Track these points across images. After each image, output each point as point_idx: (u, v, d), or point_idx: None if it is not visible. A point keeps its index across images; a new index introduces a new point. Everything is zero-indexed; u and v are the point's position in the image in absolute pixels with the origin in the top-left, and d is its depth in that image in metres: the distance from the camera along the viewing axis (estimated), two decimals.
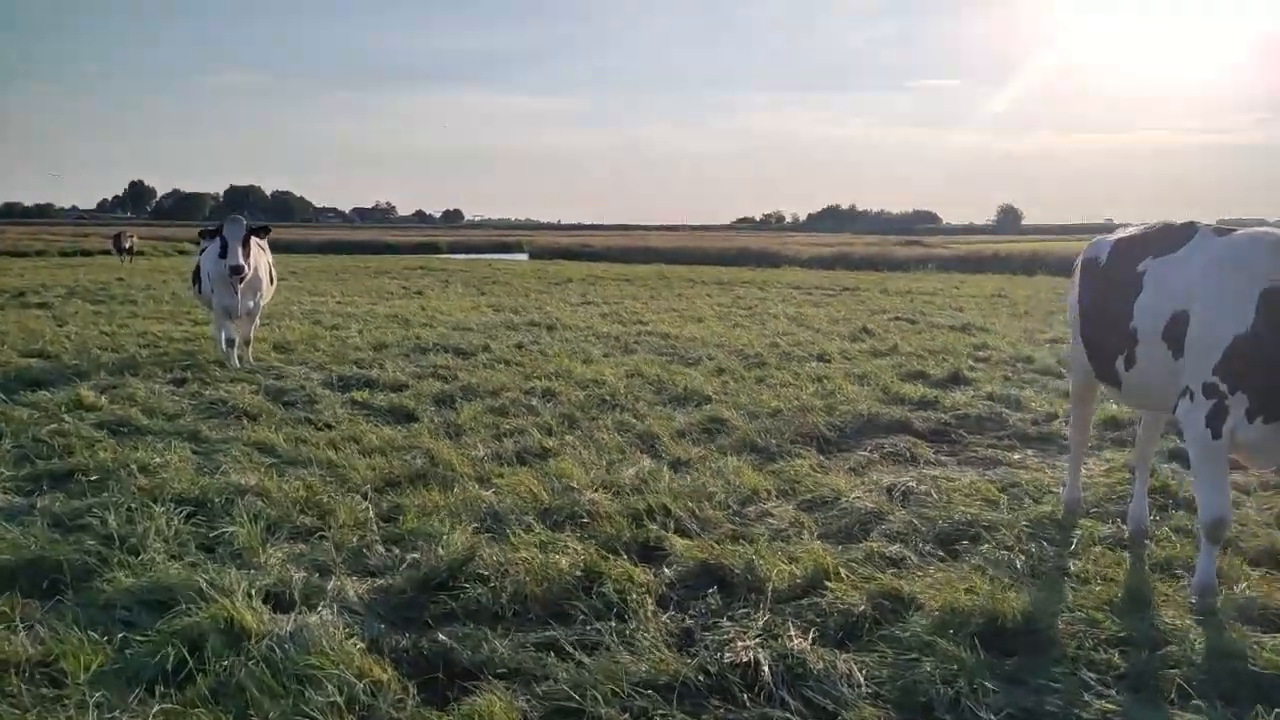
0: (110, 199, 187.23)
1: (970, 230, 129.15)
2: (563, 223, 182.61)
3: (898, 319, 16.95)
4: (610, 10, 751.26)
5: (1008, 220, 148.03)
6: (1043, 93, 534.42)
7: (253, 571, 4.55)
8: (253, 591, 4.19)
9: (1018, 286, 26.35)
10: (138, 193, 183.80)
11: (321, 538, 5.18)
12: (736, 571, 4.64)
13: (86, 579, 4.53)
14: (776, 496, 6.02)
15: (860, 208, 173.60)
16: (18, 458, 6.61)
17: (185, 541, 5.03)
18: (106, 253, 41.33)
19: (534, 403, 8.77)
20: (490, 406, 8.55)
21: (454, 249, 65.54)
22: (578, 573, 4.55)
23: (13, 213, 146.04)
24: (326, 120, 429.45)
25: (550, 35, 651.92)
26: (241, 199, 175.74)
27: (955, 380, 10.12)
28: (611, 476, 6.27)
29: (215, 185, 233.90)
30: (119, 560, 4.68)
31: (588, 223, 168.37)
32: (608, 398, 8.92)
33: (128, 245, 28.54)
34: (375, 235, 73.95)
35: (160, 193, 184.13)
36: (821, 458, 6.96)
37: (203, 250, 11.02)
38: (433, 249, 63.88)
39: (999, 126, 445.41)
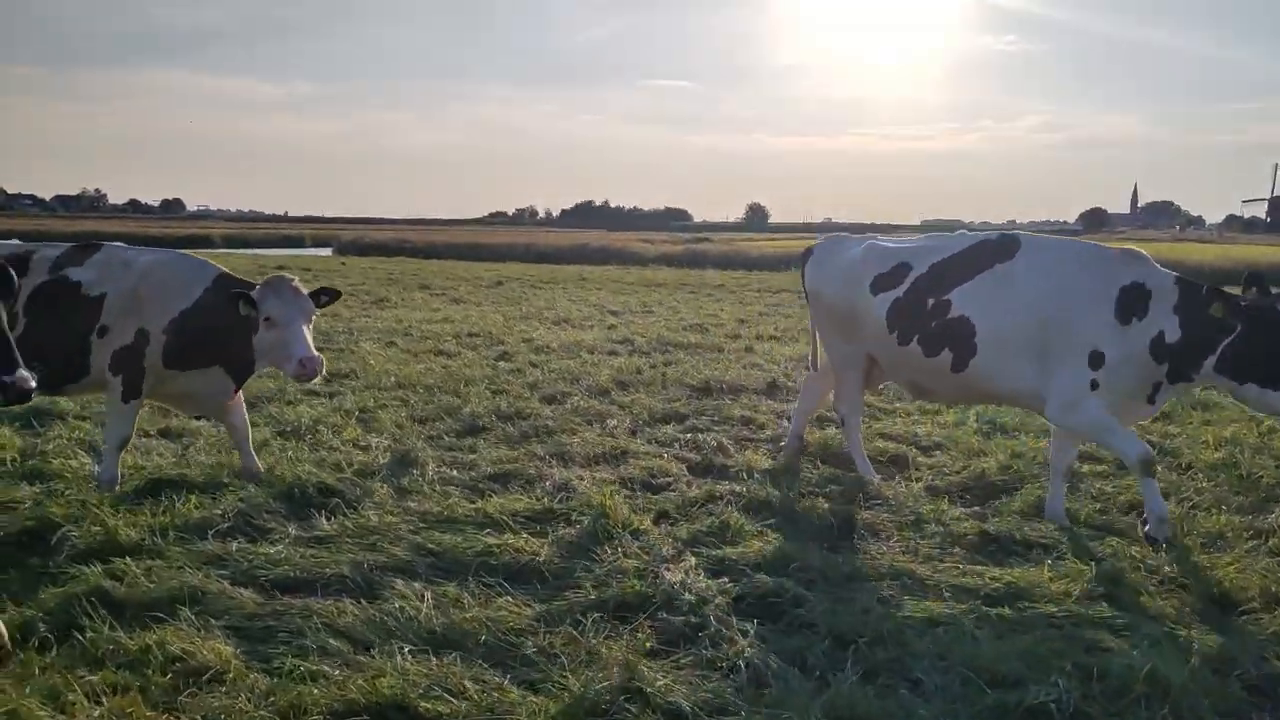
0: None
1: (723, 227, 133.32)
2: (290, 214, 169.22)
3: None
4: None
5: (756, 218, 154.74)
6: (767, 97, 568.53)
7: None
8: None
9: None
10: None
11: None
12: None
13: None
14: None
15: (614, 204, 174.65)
16: None
17: None
18: None
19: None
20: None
21: (231, 243, 57.56)
22: None
23: None
24: (12, 98, 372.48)
25: (266, 16, 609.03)
26: None
27: None
28: None
29: None
30: None
31: (328, 215, 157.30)
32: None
33: None
34: (135, 228, 60.68)
35: None
36: None
37: (916, 285, 6.02)
38: (206, 243, 55.67)
39: (728, 128, 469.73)
